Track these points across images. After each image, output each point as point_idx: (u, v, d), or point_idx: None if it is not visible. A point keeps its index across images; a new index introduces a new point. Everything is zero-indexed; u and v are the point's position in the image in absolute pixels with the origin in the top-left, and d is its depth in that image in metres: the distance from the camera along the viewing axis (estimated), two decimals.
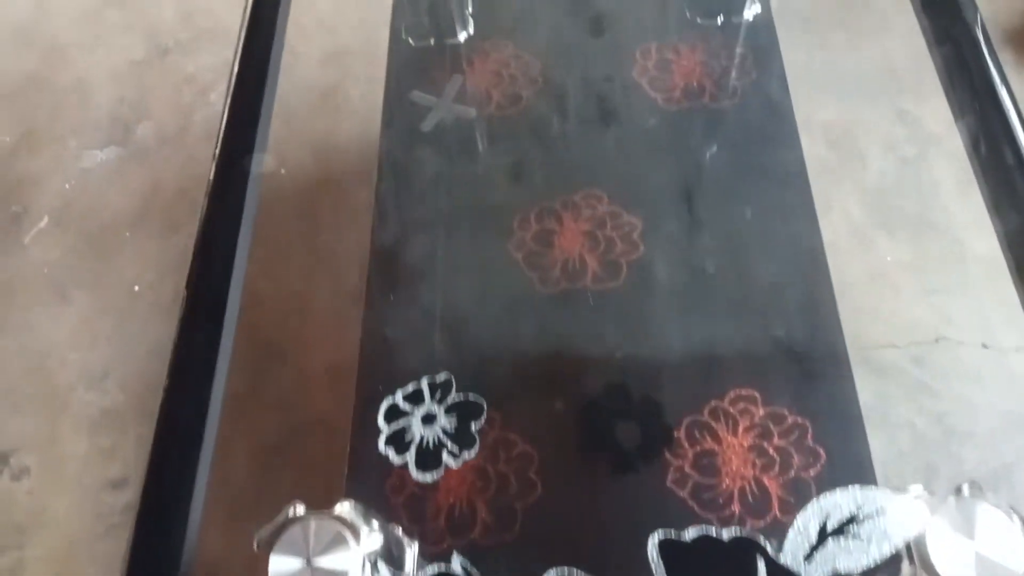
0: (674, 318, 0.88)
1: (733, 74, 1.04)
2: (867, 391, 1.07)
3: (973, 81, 0.67)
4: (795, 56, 1.39)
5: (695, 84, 1.04)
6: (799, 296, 0.87)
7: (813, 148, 1.28)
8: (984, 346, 1.11)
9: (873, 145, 1.28)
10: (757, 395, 0.82)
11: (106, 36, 1.58)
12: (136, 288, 1.28)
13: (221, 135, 0.69)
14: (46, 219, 1.36)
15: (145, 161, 1.41)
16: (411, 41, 1.10)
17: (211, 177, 0.66)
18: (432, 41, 1.10)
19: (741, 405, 0.82)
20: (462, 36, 1.10)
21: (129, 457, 1.15)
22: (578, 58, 1.07)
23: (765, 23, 1.09)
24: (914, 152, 1.27)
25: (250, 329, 1.20)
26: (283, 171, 1.37)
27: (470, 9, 1.12)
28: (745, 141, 1.00)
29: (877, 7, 1.44)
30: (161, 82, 1.51)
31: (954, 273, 1.16)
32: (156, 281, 1.28)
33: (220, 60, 1.52)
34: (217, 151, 0.68)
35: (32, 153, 1.44)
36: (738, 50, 1.06)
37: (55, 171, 1.42)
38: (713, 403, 0.82)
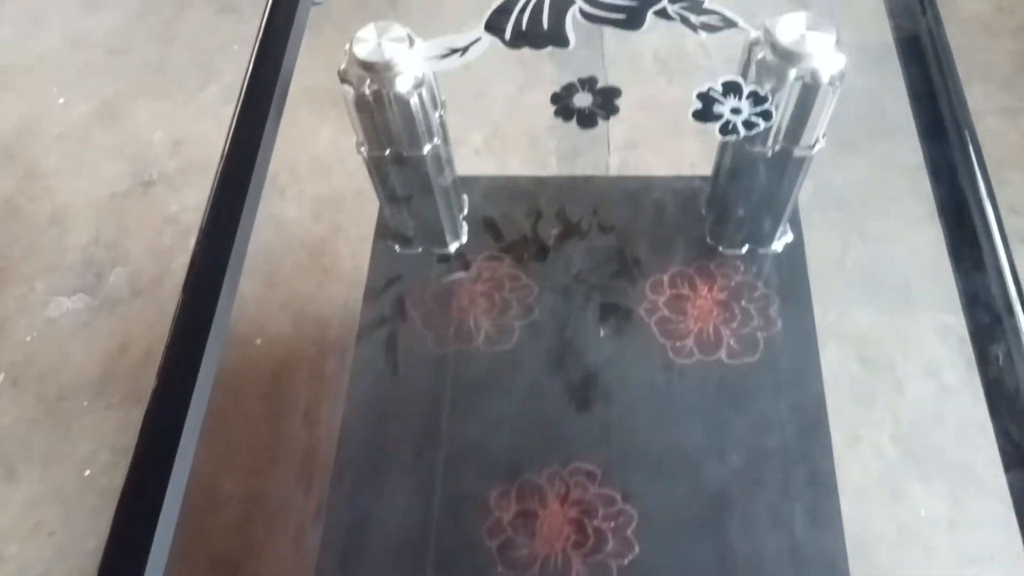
0: None
1: (755, 321, 0.91)
2: None
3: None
4: (828, 247, 1.27)
5: (711, 332, 0.91)
6: None
7: (844, 364, 1.14)
8: None
9: (911, 366, 1.15)
10: None
11: (90, 161, 1.49)
12: (87, 472, 1.17)
13: (180, 302, 0.62)
14: (2, 376, 1.26)
15: (114, 315, 1.31)
16: (397, 248, 0.99)
17: (165, 349, 0.59)
18: (420, 250, 0.99)
19: None
20: (453, 246, 0.98)
21: None
22: (581, 286, 0.95)
23: (795, 254, 0.96)
24: (957, 379, 1.13)
25: (199, 538, 1.09)
26: (258, 341, 1.26)
27: (465, 211, 1.00)
28: (765, 410, 0.87)
29: (925, 191, 1.31)
30: (141, 220, 1.41)
31: (999, 540, 1.02)
32: (110, 465, 1.17)
33: (205, 199, 1.42)
34: (175, 318, 0.61)
35: None
36: (762, 291, 0.93)
37: (18, 319, 1.32)
38: None
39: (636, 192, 1.01)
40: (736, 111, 0.69)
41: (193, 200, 1.42)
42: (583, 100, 0.72)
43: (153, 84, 1.58)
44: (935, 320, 1.18)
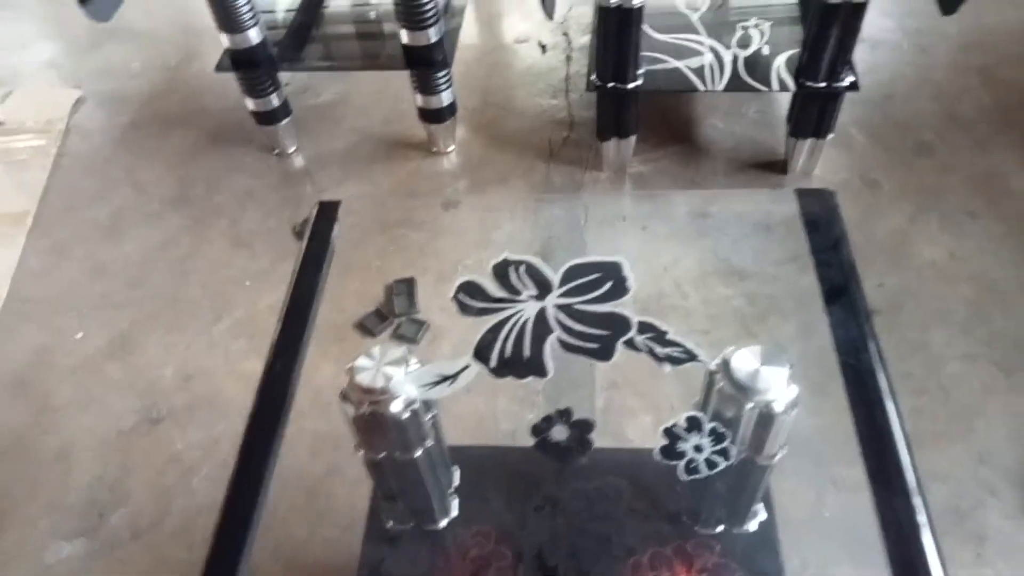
0: None
1: None
2: None
3: None
4: (802, 496, 1.32)
5: None
6: None
7: None
8: None
9: None
10: None
11: (101, 396, 1.56)
12: None
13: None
14: None
15: (112, 560, 1.33)
16: (390, 524, 1.04)
17: None
18: (411, 525, 1.04)
19: None
20: (443, 523, 1.04)
21: None
22: (572, 569, 1.00)
23: (768, 533, 1.01)
24: None
25: None
26: None
27: (455, 484, 1.06)
28: None
29: None
30: (146, 459, 1.46)
31: None
32: None
33: (209, 436, 1.48)
34: None
35: None
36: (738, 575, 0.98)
37: (16, 563, 1.34)
38: None
39: (617, 466, 1.07)
40: (698, 448, 0.77)
41: (198, 439, 1.48)
42: (560, 434, 0.80)
43: (167, 317, 1.68)
44: None
